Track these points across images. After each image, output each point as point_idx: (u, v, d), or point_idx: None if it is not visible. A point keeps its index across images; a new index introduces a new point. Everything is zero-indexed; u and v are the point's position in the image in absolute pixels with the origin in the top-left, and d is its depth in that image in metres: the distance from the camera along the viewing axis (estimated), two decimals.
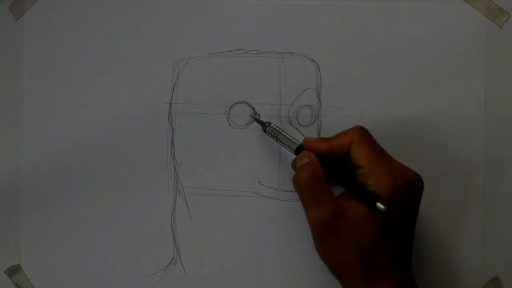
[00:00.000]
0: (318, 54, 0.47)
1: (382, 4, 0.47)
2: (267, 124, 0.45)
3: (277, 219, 0.47)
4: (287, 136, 0.44)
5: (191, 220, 0.47)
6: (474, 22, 0.46)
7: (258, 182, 0.47)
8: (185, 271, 0.47)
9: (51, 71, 0.48)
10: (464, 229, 0.46)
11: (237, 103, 0.47)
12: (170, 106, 0.47)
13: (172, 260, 0.47)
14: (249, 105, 0.47)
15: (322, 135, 0.46)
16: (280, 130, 0.44)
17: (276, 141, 0.44)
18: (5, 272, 0.48)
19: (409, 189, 0.39)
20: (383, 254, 0.39)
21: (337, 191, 0.41)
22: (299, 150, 0.42)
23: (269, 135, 0.45)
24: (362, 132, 0.41)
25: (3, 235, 0.48)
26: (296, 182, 0.41)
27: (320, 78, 0.47)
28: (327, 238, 0.39)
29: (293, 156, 0.43)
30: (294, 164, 0.43)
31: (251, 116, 0.46)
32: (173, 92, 0.47)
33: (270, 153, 0.44)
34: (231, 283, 0.47)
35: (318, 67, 0.47)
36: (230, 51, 0.47)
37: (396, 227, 0.39)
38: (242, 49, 0.47)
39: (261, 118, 0.46)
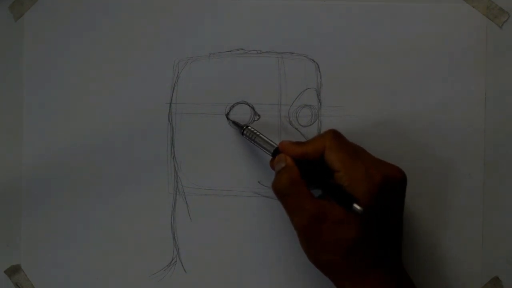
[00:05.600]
0: (318, 54, 0.47)
1: (382, 4, 0.47)
2: (244, 128, 0.45)
3: (277, 219, 0.47)
4: (264, 138, 0.44)
5: (191, 220, 0.47)
6: (474, 22, 0.46)
7: (258, 182, 0.47)
8: (185, 271, 0.47)
9: (51, 71, 0.48)
10: (463, 229, 0.46)
11: (237, 103, 0.47)
12: (170, 106, 0.47)
13: (172, 260, 0.47)
14: (249, 105, 0.47)
15: None
16: (258, 133, 0.44)
17: (254, 144, 0.44)
18: (5, 272, 0.48)
19: (388, 185, 0.39)
20: (367, 253, 0.39)
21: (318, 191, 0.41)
22: (276, 153, 0.42)
23: (247, 138, 0.45)
24: (334, 136, 0.41)
25: (3, 235, 0.48)
26: (275, 188, 0.41)
27: (320, 78, 0.47)
28: (311, 240, 0.40)
29: None
30: (272, 164, 0.43)
31: (228, 119, 0.46)
32: (173, 92, 0.47)
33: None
34: (231, 283, 0.47)
35: (318, 67, 0.47)
36: (230, 51, 0.47)
37: (379, 225, 0.39)
38: (242, 49, 0.47)
39: (237, 121, 0.46)
